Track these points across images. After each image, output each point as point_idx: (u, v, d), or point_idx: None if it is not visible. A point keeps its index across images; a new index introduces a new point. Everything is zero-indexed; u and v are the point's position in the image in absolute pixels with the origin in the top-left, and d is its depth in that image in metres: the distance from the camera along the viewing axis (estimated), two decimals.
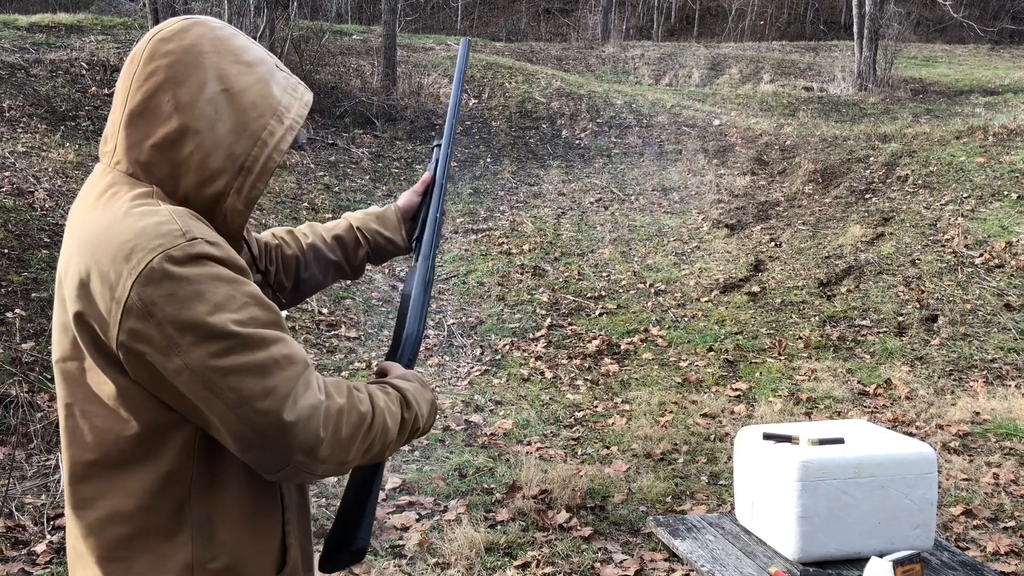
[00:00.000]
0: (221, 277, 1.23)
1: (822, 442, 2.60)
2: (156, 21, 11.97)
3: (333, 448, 1.27)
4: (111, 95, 11.01)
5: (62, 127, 9.70)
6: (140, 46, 1.36)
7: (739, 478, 2.82)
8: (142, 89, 1.32)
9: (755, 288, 8.34)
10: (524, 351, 7.42)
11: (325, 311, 7.90)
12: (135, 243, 1.20)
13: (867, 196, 10.17)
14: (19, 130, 9.24)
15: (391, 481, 4.81)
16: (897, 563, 1.91)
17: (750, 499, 2.75)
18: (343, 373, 6.84)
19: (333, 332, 7.58)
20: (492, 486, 4.82)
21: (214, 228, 1.32)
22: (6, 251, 6.74)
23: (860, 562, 2.46)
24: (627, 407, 6.20)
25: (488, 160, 12.18)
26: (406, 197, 1.94)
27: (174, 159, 1.31)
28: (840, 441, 2.61)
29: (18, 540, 3.97)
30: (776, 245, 9.31)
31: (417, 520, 4.41)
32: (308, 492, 1.61)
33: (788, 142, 12.21)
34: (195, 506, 1.32)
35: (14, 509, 4.05)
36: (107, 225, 1.25)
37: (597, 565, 4.03)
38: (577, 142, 12.89)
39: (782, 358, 7.04)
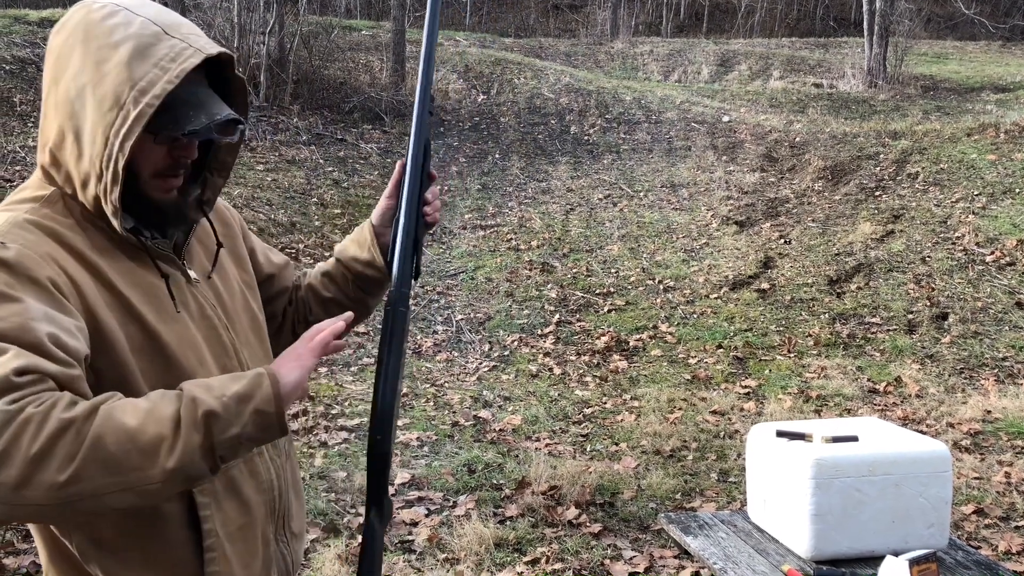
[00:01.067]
0: None
1: (836, 440, 2.59)
2: None
3: (13, 467, 1.06)
4: None
5: None
6: None
7: (751, 475, 2.81)
8: (46, 90, 1.35)
9: (764, 285, 8.32)
10: (533, 347, 7.41)
11: None
12: None
13: (877, 193, 10.13)
14: (30, 125, 9.26)
15: (400, 476, 4.81)
16: (913, 562, 1.90)
17: (762, 496, 2.74)
18: (352, 368, 6.84)
19: None
20: (501, 482, 4.82)
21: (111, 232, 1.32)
22: None
23: (874, 560, 2.45)
24: (636, 404, 6.18)
25: (497, 156, 12.16)
26: (380, 204, 1.71)
27: (61, 162, 1.33)
28: (854, 439, 2.59)
29: (29, 533, 3.98)
30: (785, 242, 9.28)
31: (426, 515, 4.41)
32: (267, 512, 1.49)
33: (798, 139, 12.16)
34: (75, 536, 1.32)
35: None
36: None
37: (607, 562, 4.02)
38: (586, 138, 12.87)
39: (792, 355, 7.02)
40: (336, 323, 1.37)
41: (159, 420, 1.15)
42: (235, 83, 1.46)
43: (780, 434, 2.64)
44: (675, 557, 4.04)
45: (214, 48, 1.34)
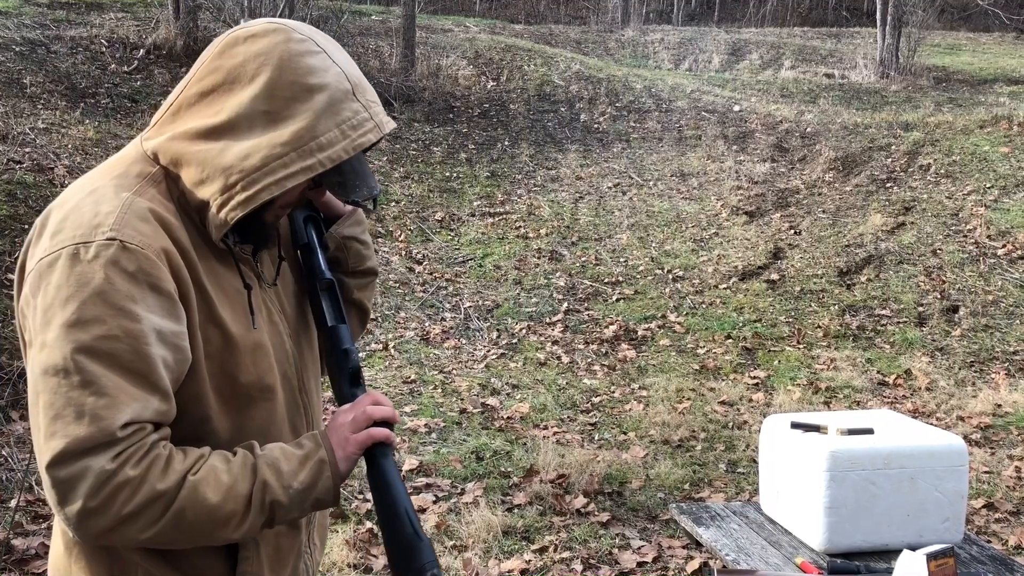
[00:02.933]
0: (108, 295, 1.18)
1: (851, 432, 2.56)
2: (176, 1, 11.95)
3: (103, 520, 1.17)
4: (130, 73, 11.02)
5: (82, 104, 9.70)
6: (219, 39, 1.35)
7: (764, 466, 2.79)
8: (201, 82, 1.32)
9: (774, 276, 8.29)
10: (541, 335, 7.39)
11: None
12: (68, 222, 1.23)
13: (888, 185, 10.07)
14: (39, 106, 9.24)
15: (408, 462, 4.80)
16: (930, 557, 1.88)
17: (775, 488, 2.73)
18: (359, 354, 6.83)
19: None
20: (509, 469, 4.81)
21: (205, 230, 1.32)
22: (26, 227, 6.76)
23: (888, 554, 2.43)
24: (644, 393, 6.17)
25: (506, 143, 12.12)
26: None
27: (187, 150, 1.30)
28: (869, 431, 2.57)
29: (38, 514, 3.99)
30: (795, 233, 9.24)
31: (434, 502, 4.41)
32: (313, 519, 1.52)
33: (809, 129, 12.10)
34: None
35: (34, 483, 4.06)
36: (79, 185, 1.30)
37: (615, 551, 4.01)
38: (595, 126, 12.81)
39: (801, 346, 6.99)
40: (387, 410, 1.39)
41: (236, 498, 1.24)
42: None
43: (795, 426, 2.62)
44: (684, 547, 4.03)
45: (389, 125, 1.36)
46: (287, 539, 1.45)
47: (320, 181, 1.35)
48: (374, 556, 3.83)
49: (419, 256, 9.08)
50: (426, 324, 7.64)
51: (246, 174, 1.26)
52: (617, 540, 4.11)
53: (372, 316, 7.64)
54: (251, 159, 1.26)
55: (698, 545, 3.82)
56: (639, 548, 4.04)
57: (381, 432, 1.36)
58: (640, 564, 3.90)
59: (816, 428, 2.61)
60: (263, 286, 1.44)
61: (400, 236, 9.40)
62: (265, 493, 1.26)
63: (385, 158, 11.53)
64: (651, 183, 10.97)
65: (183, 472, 1.22)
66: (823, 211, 9.71)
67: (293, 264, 1.57)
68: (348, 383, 1.45)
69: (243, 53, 1.29)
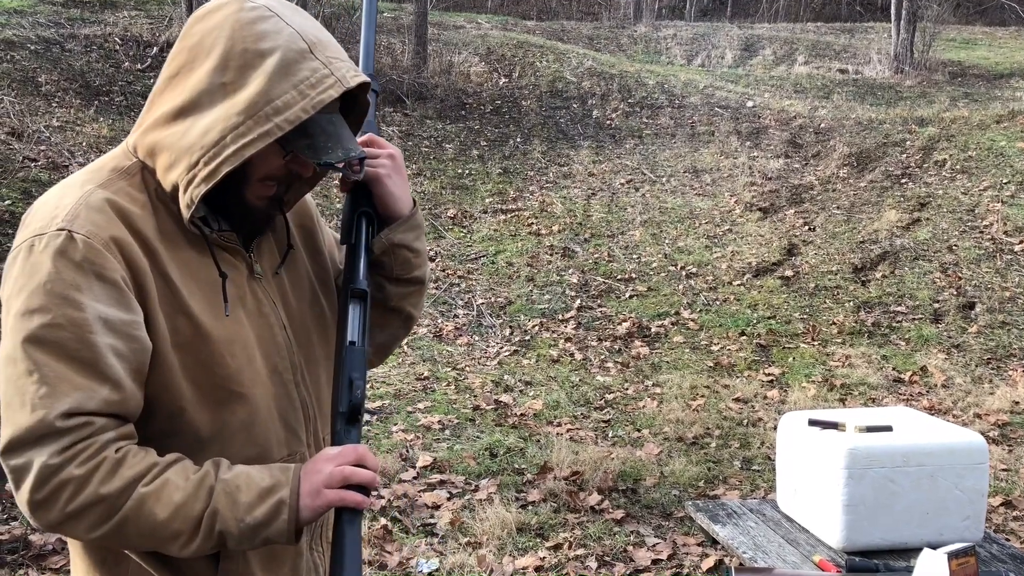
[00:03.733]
0: (53, 284, 1.19)
1: (869, 429, 2.54)
2: None
3: (50, 514, 1.19)
4: (144, 71, 11.05)
5: (96, 102, 9.73)
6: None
7: (782, 464, 2.77)
8: (168, 68, 1.32)
9: (788, 272, 8.25)
10: (554, 332, 7.38)
11: None
12: (34, 216, 1.27)
13: (903, 181, 10.01)
14: (54, 104, 9.28)
15: (422, 459, 4.80)
16: (951, 555, 1.86)
17: (792, 485, 2.71)
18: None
19: None
20: (523, 466, 4.80)
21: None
22: None
23: (907, 552, 2.41)
24: (658, 390, 6.15)
25: (518, 140, 12.10)
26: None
27: (158, 139, 1.30)
28: (888, 429, 2.55)
29: None
30: (810, 229, 9.19)
31: (448, 499, 4.40)
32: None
33: (823, 125, 12.03)
34: None
35: None
36: (60, 183, 1.34)
37: (629, 548, 4.00)
38: (608, 122, 12.77)
39: (816, 343, 6.96)
40: (368, 475, 1.30)
41: (184, 519, 1.21)
42: (360, 101, 1.45)
43: (812, 423, 2.60)
44: (699, 545, 4.01)
45: (354, 79, 1.30)
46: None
47: (288, 147, 1.29)
48: (388, 552, 3.83)
49: (431, 253, 9.07)
50: (439, 321, 7.63)
51: (206, 149, 1.25)
52: (632, 537, 4.10)
53: None
54: (210, 134, 1.25)
55: (714, 543, 3.80)
56: (654, 545, 4.02)
57: (353, 497, 1.27)
58: (655, 562, 3.88)
59: (834, 425, 2.59)
60: (254, 276, 1.40)
61: None
62: (215, 521, 1.22)
63: None
64: (664, 179, 10.93)
65: (132, 479, 1.20)
66: (837, 207, 9.66)
67: (312, 255, 1.54)
68: (344, 419, 1.33)
69: (200, 31, 1.29)
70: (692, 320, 7.50)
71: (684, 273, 8.46)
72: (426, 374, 6.32)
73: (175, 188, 1.29)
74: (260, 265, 1.42)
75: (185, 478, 1.23)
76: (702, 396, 5.97)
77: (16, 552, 3.61)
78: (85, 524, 1.19)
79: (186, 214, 1.28)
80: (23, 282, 1.21)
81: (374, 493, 4.34)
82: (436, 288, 8.27)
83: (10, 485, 1.20)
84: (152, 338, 1.26)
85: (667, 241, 9.27)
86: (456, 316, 7.77)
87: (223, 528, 1.22)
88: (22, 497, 1.19)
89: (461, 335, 7.36)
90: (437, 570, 3.73)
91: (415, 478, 4.60)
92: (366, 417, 4.97)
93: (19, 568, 3.54)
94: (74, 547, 1.36)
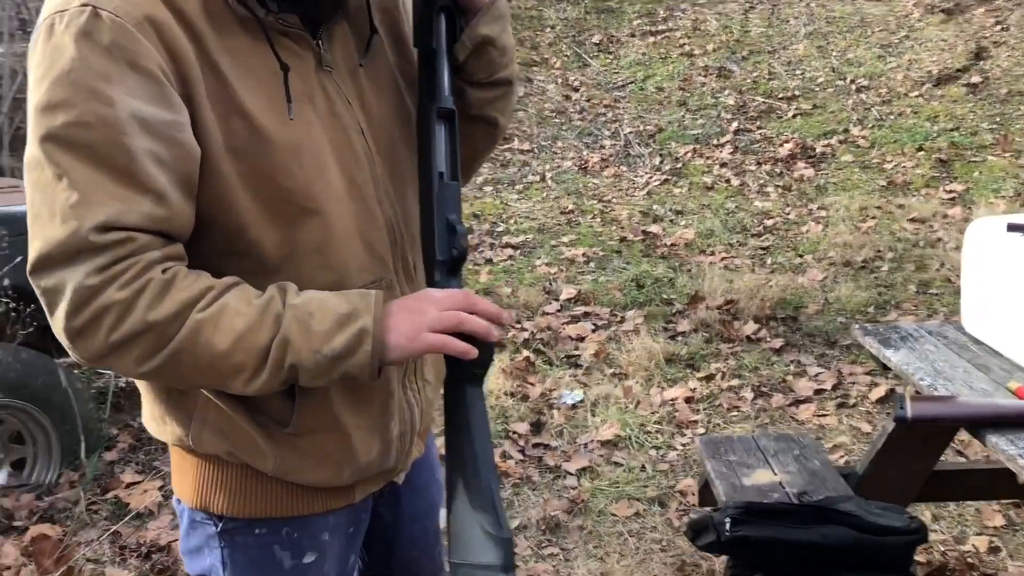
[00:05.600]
0: (77, 74, 0.96)
1: None
2: None
3: (92, 344, 1.00)
4: None
5: None
6: None
7: (968, 278, 2.37)
8: None
9: (975, 79, 7.32)
10: (707, 158, 6.91)
11: None
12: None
13: None
14: None
15: (566, 292, 4.60)
16: None
17: (982, 302, 2.31)
18: (517, 187, 6.62)
19: (507, 146, 7.32)
20: (672, 297, 4.53)
21: None
22: None
23: None
24: (823, 213, 5.66)
25: None
26: None
27: None
28: None
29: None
30: (1003, 28, 8.08)
31: (593, 330, 4.21)
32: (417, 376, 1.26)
33: None
34: None
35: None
36: None
37: (789, 378, 3.71)
38: None
39: (1007, 155, 6.18)
40: (483, 325, 1.08)
41: (248, 350, 1.02)
42: None
43: (1012, 228, 2.17)
44: (867, 373, 3.67)
45: None
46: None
47: None
48: (531, 384, 3.70)
49: (576, 83, 8.63)
50: (584, 153, 7.29)
51: None
52: (791, 367, 3.80)
53: (528, 147, 7.38)
54: None
55: (885, 370, 3.45)
56: (816, 375, 3.71)
57: (458, 346, 1.06)
58: (817, 392, 3.58)
59: None
60: (323, 69, 1.14)
61: (556, 63, 8.96)
62: (286, 352, 1.02)
63: None
64: None
65: (184, 303, 1.00)
66: None
67: (396, 45, 1.26)
68: (444, 269, 1.13)
69: None
70: (862, 137, 6.82)
71: (854, 87, 7.68)
72: (571, 207, 6.06)
73: None
74: (331, 56, 1.15)
75: (247, 303, 1.03)
76: (872, 217, 5.44)
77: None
78: (133, 356, 1.00)
79: None
80: (44, 70, 0.98)
81: (505, 329, 4.19)
82: (581, 119, 7.89)
83: (45, 310, 1.02)
84: (201, 143, 1.03)
85: (835, 54, 8.42)
86: (602, 147, 7.40)
87: (295, 360, 1.03)
88: (57, 325, 1.00)
89: (608, 166, 7.01)
90: (581, 401, 3.57)
91: (558, 311, 4.42)
92: (508, 252, 4.71)
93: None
94: (140, 381, 1.20)
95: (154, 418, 1.21)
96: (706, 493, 2.44)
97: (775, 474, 2.29)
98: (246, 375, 1.03)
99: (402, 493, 1.38)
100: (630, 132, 7.60)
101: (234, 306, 1.02)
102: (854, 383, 3.62)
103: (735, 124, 7.37)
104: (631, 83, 8.60)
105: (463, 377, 1.12)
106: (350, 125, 1.15)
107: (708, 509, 2.24)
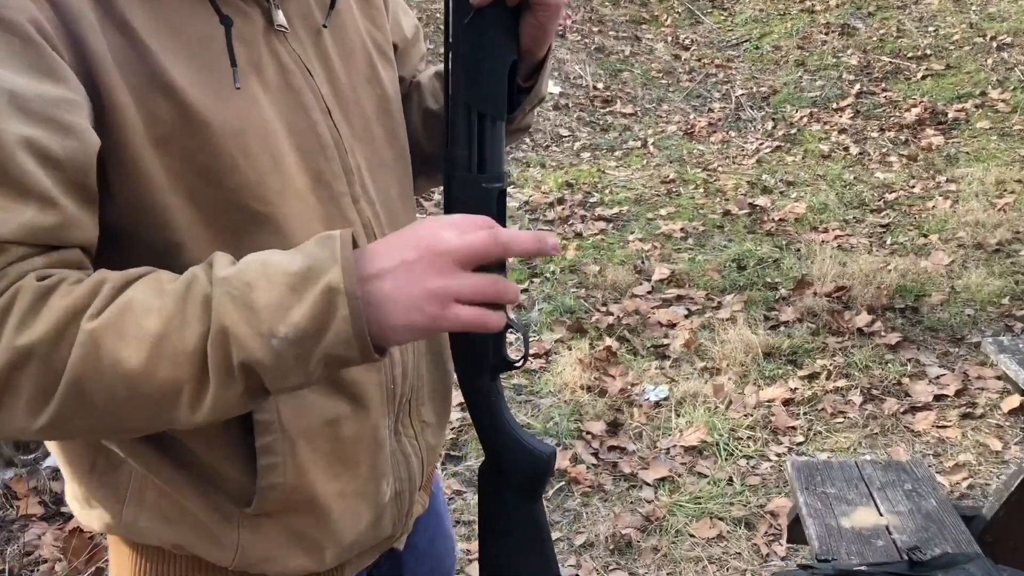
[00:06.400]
0: None
1: None
2: None
3: None
4: None
5: None
6: None
7: None
8: None
9: None
10: (825, 123, 6.37)
11: (600, 85, 7.22)
12: None
13: None
14: None
15: (659, 271, 4.25)
16: None
17: None
18: (616, 153, 6.24)
19: (608, 108, 6.94)
20: (776, 280, 4.12)
21: None
22: None
23: None
24: (953, 187, 5.10)
25: None
26: None
27: None
28: None
29: None
30: None
31: (685, 317, 3.85)
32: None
33: None
34: None
35: None
36: None
37: (905, 380, 3.28)
38: None
39: None
40: (513, 288, 0.77)
41: (173, 358, 0.70)
42: None
43: None
44: (998, 378, 3.21)
45: None
46: (351, 420, 0.91)
47: None
48: (611, 376, 3.39)
49: (686, 41, 8.15)
50: (691, 117, 6.84)
51: None
52: (909, 367, 3.36)
53: (631, 111, 6.96)
54: None
55: None
56: (938, 378, 3.27)
57: (497, 321, 0.76)
58: (938, 398, 3.15)
59: None
60: (275, 29, 0.86)
61: (666, 20, 8.49)
62: (228, 347, 0.71)
63: None
64: None
65: (68, 312, 0.70)
66: None
67: (364, 3, 1.00)
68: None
69: None
70: (1003, 101, 6.15)
71: (994, 44, 6.95)
72: (672, 176, 5.65)
73: None
74: (286, 13, 0.88)
75: (158, 293, 0.72)
76: (1011, 192, 4.86)
77: None
78: (20, 404, 0.70)
79: None
80: None
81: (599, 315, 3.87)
82: (690, 80, 7.42)
83: None
84: (110, 131, 0.76)
85: (973, 8, 7.66)
86: (711, 110, 6.93)
87: (245, 357, 0.71)
88: None
89: (715, 131, 6.55)
90: (666, 398, 3.25)
91: (649, 292, 4.08)
92: (600, 226, 4.37)
93: None
94: (56, 450, 0.93)
95: (76, 498, 0.94)
96: (796, 529, 2.10)
97: (880, 515, 1.94)
98: (186, 397, 0.72)
99: (405, 560, 1.12)
100: (742, 94, 7.11)
101: (142, 301, 0.71)
102: (983, 389, 3.17)
103: (857, 86, 6.78)
104: (745, 41, 8.08)
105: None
106: (311, 103, 0.88)
107: (796, 568, 1.91)
